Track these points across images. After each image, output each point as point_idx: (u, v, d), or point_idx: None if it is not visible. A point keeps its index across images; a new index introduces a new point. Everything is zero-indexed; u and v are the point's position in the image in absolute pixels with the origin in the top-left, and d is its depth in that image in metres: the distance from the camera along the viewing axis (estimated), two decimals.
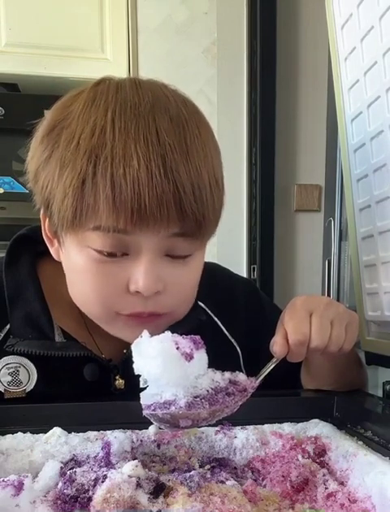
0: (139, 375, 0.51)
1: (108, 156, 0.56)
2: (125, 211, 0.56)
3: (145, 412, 0.50)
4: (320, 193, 1.98)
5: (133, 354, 0.51)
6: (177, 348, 0.49)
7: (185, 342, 0.50)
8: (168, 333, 0.51)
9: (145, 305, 0.61)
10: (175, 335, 0.51)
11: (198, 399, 0.49)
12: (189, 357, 0.49)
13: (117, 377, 0.72)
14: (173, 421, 0.49)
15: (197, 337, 0.51)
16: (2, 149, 1.73)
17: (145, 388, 0.51)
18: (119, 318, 0.63)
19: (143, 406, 0.50)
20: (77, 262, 0.62)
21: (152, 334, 0.53)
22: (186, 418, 0.49)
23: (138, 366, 0.50)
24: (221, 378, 0.52)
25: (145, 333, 0.51)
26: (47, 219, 0.65)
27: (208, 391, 0.50)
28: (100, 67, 1.80)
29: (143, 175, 0.55)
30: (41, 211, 0.66)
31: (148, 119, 0.58)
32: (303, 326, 0.60)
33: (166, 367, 0.48)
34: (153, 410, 0.49)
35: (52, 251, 0.68)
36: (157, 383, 0.50)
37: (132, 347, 0.51)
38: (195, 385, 0.50)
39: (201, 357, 0.50)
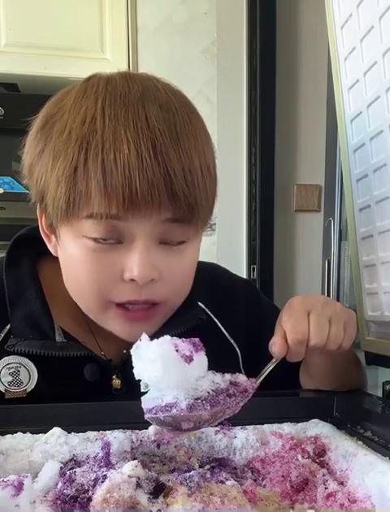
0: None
1: (98, 142, 0.57)
2: (116, 196, 0.56)
3: (147, 416, 0.50)
4: (320, 193, 1.98)
5: (133, 358, 0.50)
6: (176, 350, 0.49)
7: (184, 345, 0.50)
8: (167, 336, 0.50)
9: (139, 293, 0.61)
10: (175, 338, 0.50)
11: (199, 401, 0.49)
12: (189, 359, 0.49)
13: (113, 377, 0.72)
14: (175, 424, 0.49)
15: (197, 340, 0.51)
16: (2, 149, 1.73)
17: (145, 392, 0.51)
18: (111, 308, 0.63)
19: (144, 410, 0.50)
20: (73, 253, 0.62)
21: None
22: (188, 421, 0.49)
23: (138, 371, 0.50)
24: (221, 379, 0.52)
25: (144, 337, 0.51)
26: (44, 216, 0.65)
27: (209, 393, 0.50)
28: (100, 67, 1.78)
29: (133, 160, 0.56)
30: (38, 208, 0.67)
31: (137, 106, 0.59)
32: (301, 325, 0.60)
33: (166, 370, 0.48)
34: (155, 414, 0.49)
35: (50, 247, 0.69)
36: (157, 386, 0.50)
37: (132, 351, 0.50)
38: (196, 387, 0.50)
39: (201, 359, 0.50)
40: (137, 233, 0.59)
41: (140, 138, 0.57)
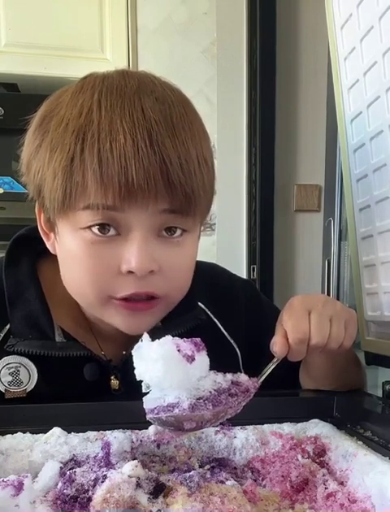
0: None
1: (95, 132, 0.57)
2: (113, 186, 0.56)
3: (149, 416, 0.50)
4: (320, 193, 1.98)
5: (134, 359, 0.50)
6: (178, 350, 0.49)
7: (186, 345, 0.49)
8: (169, 337, 0.50)
9: (138, 285, 0.61)
10: (176, 338, 0.50)
11: (201, 401, 0.49)
12: (191, 359, 0.49)
13: (112, 377, 0.72)
14: (177, 424, 0.49)
15: (198, 340, 0.51)
16: (2, 149, 1.73)
17: (147, 393, 0.51)
18: (111, 303, 0.63)
19: (146, 411, 0.50)
20: (71, 247, 0.62)
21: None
22: (190, 421, 0.49)
23: (139, 372, 0.50)
24: (223, 379, 0.52)
25: (146, 337, 0.51)
26: (42, 213, 0.65)
27: (211, 392, 0.50)
28: (100, 67, 1.78)
29: (129, 149, 0.56)
30: (36, 205, 0.67)
31: (133, 98, 0.59)
32: (302, 324, 0.60)
33: (167, 370, 0.48)
34: (157, 414, 0.49)
35: (48, 246, 0.68)
36: (159, 386, 0.50)
37: (133, 352, 0.50)
38: (197, 387, 0.49)
39: (203, 359, 0.50)
40: (134, 224, 0.59)
41: (136, 127, 0.57)
